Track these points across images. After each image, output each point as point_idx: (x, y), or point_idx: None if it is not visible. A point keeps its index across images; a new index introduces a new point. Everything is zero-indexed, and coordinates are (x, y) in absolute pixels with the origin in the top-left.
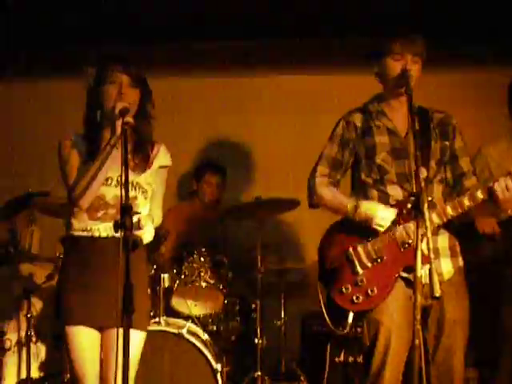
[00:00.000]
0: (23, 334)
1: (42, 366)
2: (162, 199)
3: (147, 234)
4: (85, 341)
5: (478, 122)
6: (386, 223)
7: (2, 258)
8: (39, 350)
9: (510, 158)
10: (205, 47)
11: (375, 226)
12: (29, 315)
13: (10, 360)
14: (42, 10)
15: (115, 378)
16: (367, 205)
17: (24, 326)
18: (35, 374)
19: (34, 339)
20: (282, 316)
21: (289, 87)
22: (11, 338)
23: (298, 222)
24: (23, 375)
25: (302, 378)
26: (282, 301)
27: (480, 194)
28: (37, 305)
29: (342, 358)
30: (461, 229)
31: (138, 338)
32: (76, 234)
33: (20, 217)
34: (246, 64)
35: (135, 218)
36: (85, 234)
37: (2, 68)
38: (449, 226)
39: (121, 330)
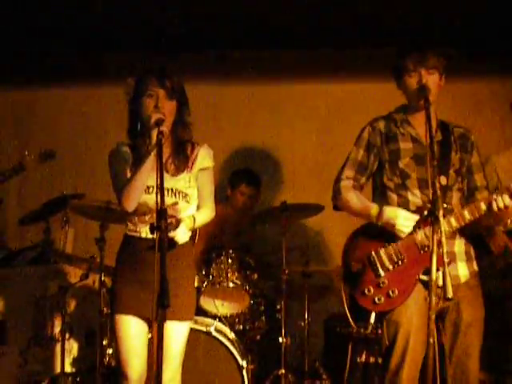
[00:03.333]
0: (57, 330)
1: (74, 362)
2: (212, 196)
3: (179, 236)
4: (132, 329)
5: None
6: (408, 229)
7: (38, 258)
8: (71, 347)
9: None
10: (239, 57)
11: (397, 231)
12: (63, 312)
13: (44, 356)
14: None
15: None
16: (390, 210)
17: (57, 322)
18: (67, 369)
19: (66, 336)
20: (306, 317)
21: (315, 96)
22: (45, 334)
23: (323, 227)
24: (56, 370)
25: (324, 376)
26: (306, 302)
27: (483, 206)
28: (70, 303)
29: (363, 358)
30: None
31: (184, 327)
32: (129, 234)
33: (55, 218)
34: (276, 74)
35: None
36: (136, 234)
37: (42, 74)
38: (465, 232)
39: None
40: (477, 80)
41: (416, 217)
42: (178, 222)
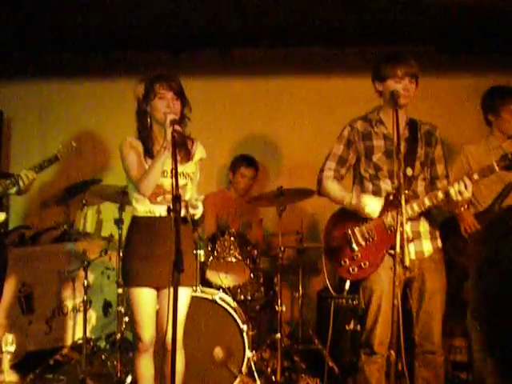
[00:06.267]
0: (77, 301)
1: (93, 330)
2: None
3: (199, 211)
4: (144, 298)
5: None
6: (374, 214)
7: (61, 236)
8: (90, 316)
9: (485, 157)
10: (241, 54)
11: (366, 215)
12: (85, 284)
13: (66, 324)
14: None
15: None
16: (360, 198)
17: (78, 294)
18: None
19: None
20: (300, 289)
21: (309, 90)
22: (67, 305)
23: (315, 209)
24: (77, 337)
25: (316, 341)
26: (300, 276)
27: (441, 194)
28: (89, 277)
29: (351, 326)
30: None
31: (186, 293)
32: (140, 215)
33: (75, 201)
34: (274, 69)
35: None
36: (148, 214)
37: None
38: (430, 215)
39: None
40: (456, 76)
41: (382, 202)
42: (197, 203)
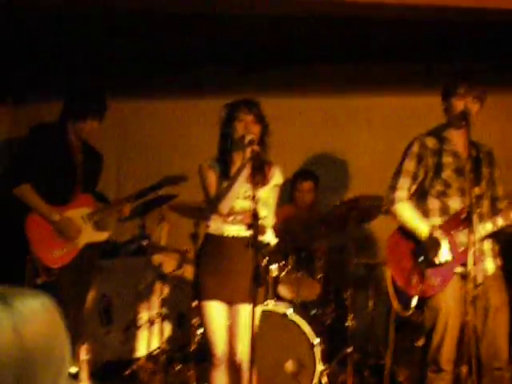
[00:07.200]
0: (152, 313)
1: (168, 341)
2: (274, 208)
3: (269, 235)
4: (216, 312)
5: None
6: (443, 260)
7: (138, 250)
8: (165, 328)
9: None
10: (312, 71)
11: (435, 258)
12: (161, 297)
13: (142, 335)
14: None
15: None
16: (435, 240)
17: (154, 306)
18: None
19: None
20: (370, 305)
21: (372, 108)
22: (143, 317)
23: (386, 223)
24: (152, 348)
25: (386, 357)
26: (370, 292)
27: None
28: (164, 290)
29: (420, 343)
30: None
31: (256, 310)
32: (212, 232)
33: (151, 215)
34: (341, 86)
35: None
36: (218, 232)
37: (146, 90)
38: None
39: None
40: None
41: (451, 253)
42: (265, 228)
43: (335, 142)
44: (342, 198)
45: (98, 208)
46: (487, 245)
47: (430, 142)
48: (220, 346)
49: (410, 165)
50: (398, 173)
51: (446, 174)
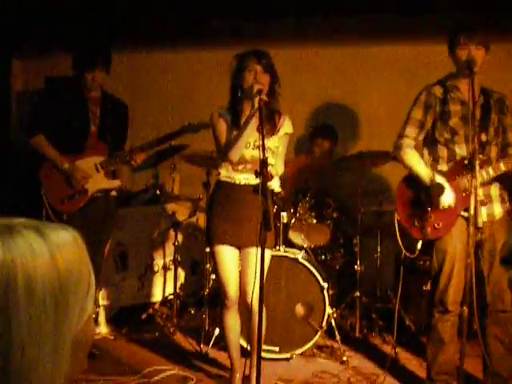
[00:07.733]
0: (167, 260)
1: (182, 287)
2: (284, 157)
3: (275, 183)
4: (227, 256)
5: None
6: (447, 204)
7: (152, 199)
8: (179, 274)
9: None
10: (318, 22)
11: (439, 202)
12: (176, 243)
13: (157, 281)
14: None
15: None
16: (439, 184)
17: (168, 253)
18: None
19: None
20: (379, 250)
21: (388, 57)
22: (158, 263)
23: (395, 172)
24: (166, 293)
25: (393, 301)
26: (379, 238)
27: None
28: (178, 237)
29: (428, 286)
30: None
31: (267, 254)
32: (223, 179)
33: (164, 165)
34: (351, 36)
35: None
36: (229, 180)
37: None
38: (499, 179)
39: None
40: None
41: (454, 197)
42: (273, 176)
43: (347, 92)
44: (353, 147)
45: (111, 156)
46: (494, 190)
47: (438, 91)
48: (232, 288)
49: (417, 113)
50: (406, 121)
51: (454, 121)
